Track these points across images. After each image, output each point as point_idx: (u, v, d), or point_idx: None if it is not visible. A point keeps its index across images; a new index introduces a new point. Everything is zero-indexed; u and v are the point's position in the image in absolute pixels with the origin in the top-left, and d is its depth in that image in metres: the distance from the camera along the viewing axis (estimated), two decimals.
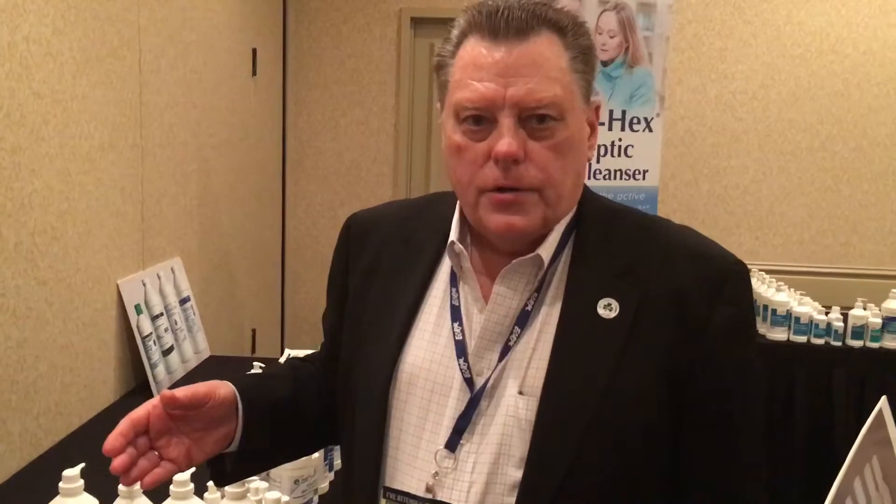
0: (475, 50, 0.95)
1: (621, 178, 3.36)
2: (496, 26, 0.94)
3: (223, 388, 1.02)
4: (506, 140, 0.92)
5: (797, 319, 3.30)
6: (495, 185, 0.94)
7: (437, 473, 0.98)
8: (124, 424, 0.94)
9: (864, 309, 3.29)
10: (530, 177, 0.94)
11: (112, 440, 0.92)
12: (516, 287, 1.00)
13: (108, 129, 2.26)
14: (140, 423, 0.95)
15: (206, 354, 2.85)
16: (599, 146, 3.30)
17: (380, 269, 1.11)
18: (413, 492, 0.99)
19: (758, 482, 1.00)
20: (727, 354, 0.96)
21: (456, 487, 0.97)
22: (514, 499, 0.94)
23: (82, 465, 1.34)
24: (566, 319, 0.97)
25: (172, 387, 2.58)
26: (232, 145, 3.45)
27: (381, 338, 1.06)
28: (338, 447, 1.84)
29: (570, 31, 0.97)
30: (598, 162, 3.32)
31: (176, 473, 1.01)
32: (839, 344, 3.27)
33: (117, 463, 0.92)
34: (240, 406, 1.04)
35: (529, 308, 0.99)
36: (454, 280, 1.05)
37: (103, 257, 2.26)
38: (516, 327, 0.99)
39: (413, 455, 1.01)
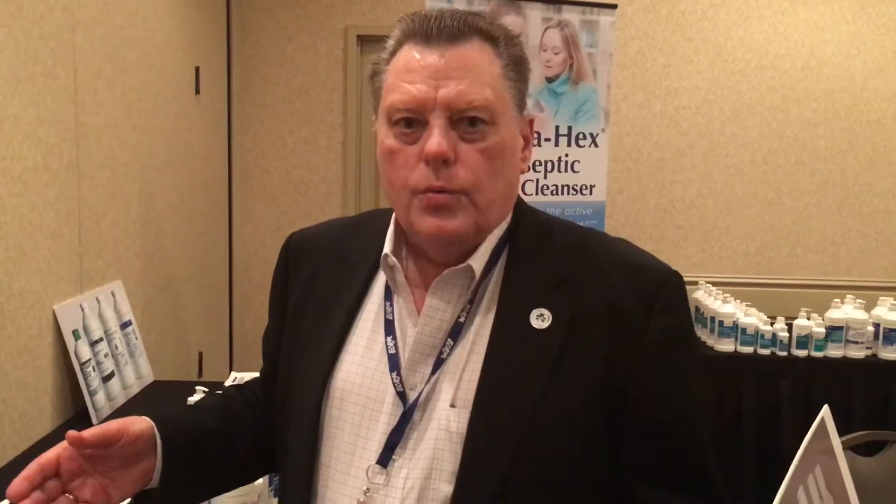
0: (408, 55, 0.96)
1: (568, 194, 3.38)
2: (429, 32, 0.94)
3: (138, 423, 0.99)
4: (435, 140, 0.92)
5: (743, 330, 3.34)
6: (427, 187, 0.94)
7: (368, 490, 0.96)
8: (31, 468, 0.90)
9: (808, 319, 3.34)
10: (460, 178, 0.94)
11: (16, 484, 0.88)
12: (449, 299, 0.99)
13: (42, 151, 2.19)
14: (48, 466, 0.91)
15: (149, 380, 2.77)
16: (546, 161, 3.31)
17: (316, 288, 1.09)
18: None
19: (713, 480, 1.00)
20: (664, 363, 0.96)
21: (387, 503, 0.95)
22: None
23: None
24: (498, 330, 0.96)
25: (113, 414, 2.49)
26: (175, 165, 3.38)
27: (315, 356, 1.04)
28: None
29: (502, 40, 0.98)
30: (545, 178, 3.33)
31: None
32: (785, 354, 3.32)
33: None
34: (158, 441, 1.01)
35: (462, 320, 0.98)
36: (389, 294, 1.03)
37: (38, 282, 2.18)
38: (449, 339, 0.98)
39: (345, 472, 0.98)
